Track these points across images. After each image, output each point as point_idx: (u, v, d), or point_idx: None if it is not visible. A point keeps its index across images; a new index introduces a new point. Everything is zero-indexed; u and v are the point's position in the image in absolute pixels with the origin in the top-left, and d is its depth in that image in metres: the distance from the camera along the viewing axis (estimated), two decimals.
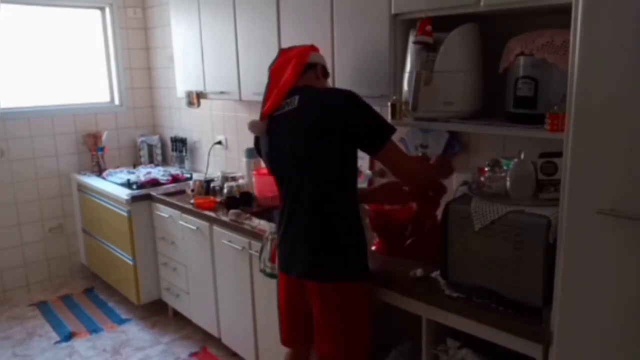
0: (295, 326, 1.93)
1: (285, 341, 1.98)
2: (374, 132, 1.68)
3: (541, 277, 1.44)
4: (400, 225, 2.01)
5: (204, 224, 2.81)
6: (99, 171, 3.90)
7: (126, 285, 3.50)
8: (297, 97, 1.73)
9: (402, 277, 1.82)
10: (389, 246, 2.04)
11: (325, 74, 1.90)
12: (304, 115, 1.70)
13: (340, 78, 2.22)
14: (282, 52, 1.93)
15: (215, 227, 2.74)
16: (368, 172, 2.61)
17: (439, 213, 1.73)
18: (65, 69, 3.97)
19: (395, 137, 2.41)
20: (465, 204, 1.59)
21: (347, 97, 1.69)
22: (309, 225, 1.74)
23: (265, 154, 1.88)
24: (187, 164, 3.95)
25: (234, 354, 2.85)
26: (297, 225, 1.77)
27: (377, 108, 2.44)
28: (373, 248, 2.08)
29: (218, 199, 2.92)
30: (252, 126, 1.83)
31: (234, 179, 3.06)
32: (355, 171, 1.78)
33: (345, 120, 1.65)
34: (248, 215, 2.66)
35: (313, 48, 1.91)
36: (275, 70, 1.85)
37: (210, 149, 3.52)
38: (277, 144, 1.79)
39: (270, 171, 1.90)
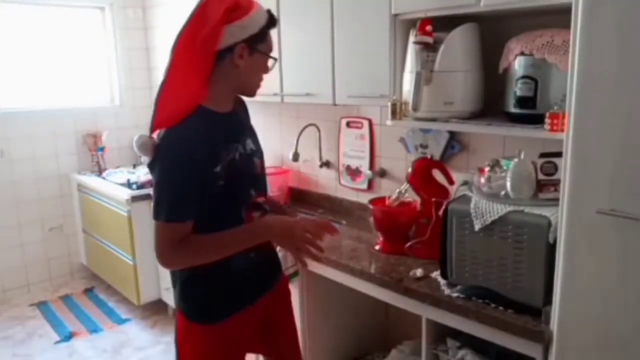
0: None
1: None
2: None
3: (541, 277, 1.44)
4: (404, 225, 2.01)
5: None
6: (99, 171, 3.90)
7: (126, 285, 3.50)
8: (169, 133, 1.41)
9: (402, 277, 1.82)
10: (393, 245, 2.04)
11: (253, 45, 1.40)
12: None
13: (341, 78, 2.22)
14: (200, 9, 1.38)
15: None
16: (368, 172, 2.61)
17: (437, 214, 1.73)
18: (65, 69, 3.97)
19: (395, 137, 2.44)
20: (465, 204, 1.59)
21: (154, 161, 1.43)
22: None
23: None
24: None
25: None
26: None
27: (376, 108, 2.48)
28: (377, 247, 2.08)
29: None
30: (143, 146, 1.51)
31: None
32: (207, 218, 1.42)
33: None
34: None
35: (231, 12, 1.35)
36: (177, 55, 1.45)
37: None
38: None
39: None
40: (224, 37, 1.36)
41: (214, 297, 1.50)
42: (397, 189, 2.07)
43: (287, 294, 1.75)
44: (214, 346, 1.50)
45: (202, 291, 1.49)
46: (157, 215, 1.37)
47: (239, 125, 1.55)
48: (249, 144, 1.54)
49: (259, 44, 1.42)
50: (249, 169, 1.52)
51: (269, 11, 1.45)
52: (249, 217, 1.51)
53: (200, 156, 1.36)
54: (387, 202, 2.11)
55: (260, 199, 1.57)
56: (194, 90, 1.40)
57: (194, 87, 1.40)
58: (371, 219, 2.10)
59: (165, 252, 1.38)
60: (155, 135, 1.48)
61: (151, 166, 1.44)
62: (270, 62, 1.50)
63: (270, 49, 1.47)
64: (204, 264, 1.43)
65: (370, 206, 2.10)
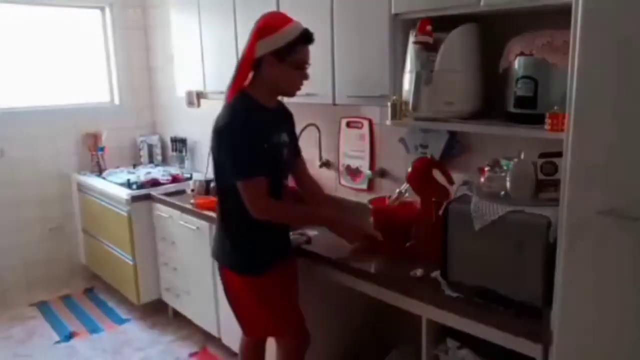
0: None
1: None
2: (229, 167, 1.83)
3: (541, 277, 1.44)
4: (403, 225, 2.01)
5: (204, 224, 2.81)
6: (99, 171, 3.90)
7: (126, 285, 3.50)
8: (224, 111, 1.86)
9: (402, 277, 1.82)
10: (393, 245, 2.04)
11: (280, 56, 1.79)
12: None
13: (341, 78, 2.22)
14: (256, 24, 1.86)
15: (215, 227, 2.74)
16: (368, 172, 2.61)
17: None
18: (65, 68, 3.97)
19: (395, 137, 2.44)
20: (465, 204, 1.59)
21: (216, 132, 1.84)
22: (218, 223, 2.01)
23: None
24: (187, 164, 3.95)
25: (234, 354, 2.85)
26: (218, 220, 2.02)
27: (376, 108, 2.48)
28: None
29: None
30: None
31: None
32: None
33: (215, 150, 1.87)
34: None
35: (262, 30, 1.80)
36: (242, 56, 1.89)
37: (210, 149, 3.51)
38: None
39: None
40: (257, 49, 1.80)
41: (260, 252, 1.94)
42: (397, 189, 2.07)
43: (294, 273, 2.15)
44: (270, 289, 1.94)
45: (252, 249, 1.93)
46: (238, 175, 1.79)
47: (278, 121, 1.95)
48: (284, 137, 1.95)
49: (286, 56, 1.79)
50: (283, 156, 1.94)
51: (304, 30, 1.82)
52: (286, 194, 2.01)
53: (256, 125, 1.80)
54: (387, 202, 2.11)
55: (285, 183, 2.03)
56: (240, 83, 1.89)
57: (240, 82, 1.88)
58: (371, 219, 2.10)
59: (260, 203, 1.81)
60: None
61: (215, 140, 1.85)
62: (303, 71, 1.86)
63: (298, 61, 1.83)
64: (284, 223, 1.98)
65: (370, 206, 2.10)
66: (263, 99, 1.88)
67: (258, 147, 1.79)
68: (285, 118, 2.06)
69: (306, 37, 1.82)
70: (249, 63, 1.83)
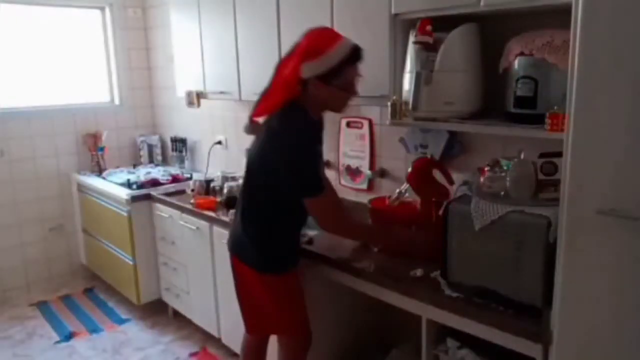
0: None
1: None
2: (299, 183, 1.81)
3: (541, 277, 1.44)
4: (404, 225, 2.01)
5: (204, 224, 2.81)
6: (99, 171, 3.90)
7: (126, 285, 3.50)
8: (275, 117, 1.83)
9: (402, 277, 1.82)
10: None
11: (327, 80, 1.74)
12: (265, 141, 1.84)
13: None
14: (301, 40, 1.79)
15: (215, 227, 2.74)
16: (368, 172, 2.61)
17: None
18: (65, 68, 3.97)
19: (395, 137, 2.44)
20: (465, 204, 1.59)
21: (280, 142, 1.80)
22: (241, 220, 1.99)
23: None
24: (187, 164, 3.95)
25: (234, 354, 2.85)
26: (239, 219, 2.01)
27: (376, 108, 2.48)
28: (375, 249, 2.08)
29: (218, 199, 2.92)
30: (247, 129, 1.94)
31: (234, 179, 3.05)
32: (293, 202, 1.86)
33: (279, 163, 1.80)
34: None
35: (307, 53, 1.73)
36: (280, 68, 1.83)
37: (210, 149, 3.52)
38: (252, 146, 1.97)
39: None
40: (303, 71, 1.73)
41: (283, 252, 1.98)
42: (397, 189, 2.07)
43: None
44: (287, 287, 1.99)
45: (278, 250, 1.97)
46: (311, 191, 1.79)
47: (321, 133, 1.95)
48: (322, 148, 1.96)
49: (332, 79, 1.74)
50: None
51: (354, 48, 1.74)
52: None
53: (316, 141, 1.84)
54: (387, 202, 2.10)
55: None
56: (282, 100, 1.80)
57: (281, 98, 1.79)
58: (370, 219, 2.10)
59: (334, 217, 1.86)
60: (259, 120, 1.89)
61: (275, 150, 1.79)
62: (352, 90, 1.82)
63: (346, 83, 1.77)
64: (347, 238, 2.04)
65: (370, 206, 2.10)
66: (313, 112, 1.84)
67: (320, 162, 1.86)
68: (322, 128, 2.02)
69: (355, 57, 1.76)
70: (295, 82, 1.75)
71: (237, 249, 2.04)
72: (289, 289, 2.01)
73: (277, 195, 1.87)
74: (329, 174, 2.85)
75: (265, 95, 1.84)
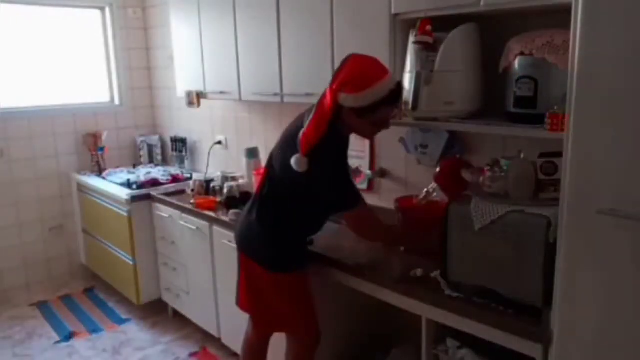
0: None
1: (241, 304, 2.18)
2: (339, 198, 1.85)
3: (541, 277, 1.44)
4: (430, 224, 1.97)
5: (204, 224, 2.81)
6: (99, 171, 3.90)
7: (126, 285, 3.50)
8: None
9: (402, 277, 1.82)
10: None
11: (359, 114, 1.73)
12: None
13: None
14: (347, 64, 1.74)
15: (215, 227, 2.74)
16: (368, 172, 2.61)
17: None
18: (65, 68, 3.97)
19: (395, 137, 2.44)
20: (465, 204, 1.59)
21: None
22: (254, 217, 2.00)
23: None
24: (187, 164, 3.95)
25: (234, 354, 2.85)
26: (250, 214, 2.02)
27: None
28: (402, 248, 2.07)
29: (218, 199, 2.92)
30: (297, 163, 1.78)
31: (234, 179, 3.05)
32: (315, 207, 1.94)
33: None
34: None
35: (347, 83, 1.69)
36: (321, 100, 1.81)
37: (210, 149, 3.52)
38: (278, 148, 1.95)
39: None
40: (340, 98, 1.71)
41: (295, 251, 2.01)
42: (424, 189, 2.04)
43: None
44: (299, 286, 2.02)
45: (291, 250, 1.99)
46: (353, 203, 1.83)
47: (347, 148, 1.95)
48: None
49: (366, 114, 1.73)
50: None
51: (395, 88, 1.72)
52: None
53: (345, 155, 1.90)
54: (414, 201, 2.09)
55: None
56: (323, 129, 1.75)
57: (323, 127, 1.75)
58: (398, 216, 2.07)
59: (372, 228, 1.92)
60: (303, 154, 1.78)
61: (315, 175, 1.78)
62: (381, 125, 1.83)
63: (378, 120, 1.77)
64: (381, 242, 2.06)
65: (397, 205, 2.07)
66: (343, 131, 1.85)
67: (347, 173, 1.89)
68: (348, 144, 2.03)
69: (394, 99, 1.74)
70: (330, 108, 1.74)
71: (246, 246, 2.04)
72: (301, 287, 2.03)
73: (305, 207, 1.91)
74: None
75: (310, 122, 1.79)
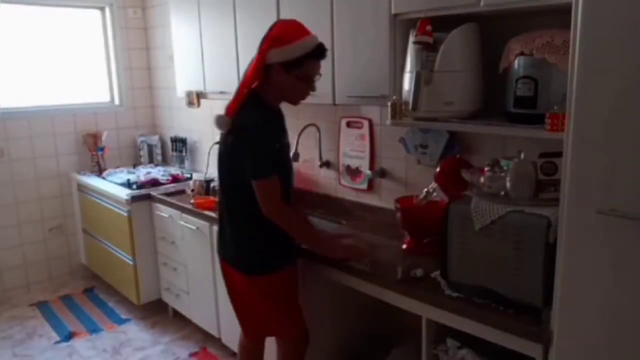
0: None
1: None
2: (249, 166, 1.85)
3: (541, 277, 1.44)
4: (430, 224, 1.97)
5: (204, 224, 2.81)
6: (99, 171, 3.90)
7: (126, 285, 3.50)
8: (243, 111, 1.87)
9: (402, 277, 1.82)
10: (420, 245, 2.03)
11: (288, 68, 1.84)
12: (232, 137, 1.89)
13: (341, 78, 2.22)
14: (271, 29, 1.88)
15: (215, 227, 2.73)
16: (368, 172, 2.61)
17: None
18: (65, 68, 3.97)
19: (395, 137, 2.44)
20: (465, 204, 1.59)
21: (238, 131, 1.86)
22: (225, 221, 2.03)
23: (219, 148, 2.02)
24: (187, 164, 3.95)
25: (234, 354, 2.85)
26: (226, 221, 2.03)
27: (376, 108, 2.48)
28: (404, 246, 2.07)
29: (218, 199, 2.91)
30: (218, 121, 1.91)
31: None
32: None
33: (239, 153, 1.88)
34: None
35: (275, 39, 1.83)
36: (245, 73, 1.93)
37: (210, 149, 3.49)
38: (220, 146, 1.99)
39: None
40: (269, 56, 1.84)
41: (268, 253, 1.97)
42: (424, 189, 2.04)
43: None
44: (277, 288, 1.98)
45: (262, 250, 1.96)
46: (257, 174, 1.83)
47: (284, 122, 2.01)
48: (288, 138, 2.03)
49: (293, 68, 1.84)
50: (289, 156, 2.05)
51: (317, 45, 1.86)
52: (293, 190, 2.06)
53: (271, 126, 1.89)
54: (414, 201, 2.09)
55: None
56: (248, 88, 1.89)
57: (248, 86, 1.89)
58: (398, 216, 2.07)
59: (274, 202, 1.86)
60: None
61: (238, 140, 1.87)
62: (309, 82, 1.90)
63: (305, 75, 1.87)
64: (287, 230, 1.92)
65: (398, 205, 2.07)
66: (272, 101, 1.93)
67: (273, 147, 1.86)
68: (281, 117, 2.08)
69: (318, 53, 1.86)
70: (260, 67, 1.86)
71: (224, 252, 2.06)
72: (280, 289, 2.00)
73: (248, 190, 1.86)
74: (329, 173, 2.85)
75: (242, 82, 1.91)
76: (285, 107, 2.05)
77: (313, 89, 1.94)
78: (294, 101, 1.98)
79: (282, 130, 1.97)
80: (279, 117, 1.98)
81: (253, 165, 1.84)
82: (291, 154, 2.20)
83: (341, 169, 2.78)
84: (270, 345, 2.22)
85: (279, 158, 1.90)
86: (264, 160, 1.84)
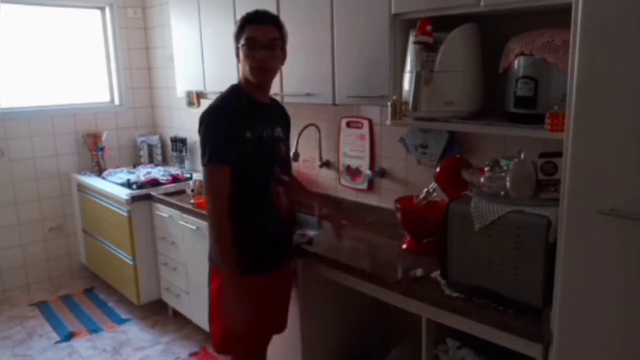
0: None
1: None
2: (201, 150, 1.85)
3: (541, 277, 1.44)
4: (430, 224, 1.97)
5: (204, 224, 2.81)
6: (99, 171, 3.90)
7: (126, 285, 3.50)
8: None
9: (402, 277, 1.82)
10: (420, 245, 2.03)
11: (236, 38, 1.90)
12: None
13: (341, 78, 2.22)
14: None
15: None
16: (368, 172, 2.61)
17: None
18: (65, 68, 3.97)
19: (395, 137, 2.44)
20: (465, 204, 1.59)
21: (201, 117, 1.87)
22: None
23: None
24: (187, 163, 3.95)
25: None
26: None
27: (376, 108, 2.48)
28: (404, 246, 2.07)
29: None
30: None
31: None
32: (245, 178, 1.84)
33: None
34: None
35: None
36: None
37: None
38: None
39: None
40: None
41: (244, 255, 1.83)
42: (424, 189, 2.04)
43: (292, 276, 2.14)
44: (239, 292, 1.82)
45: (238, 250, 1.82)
46: (205, 159, 1.80)
47: (269, 115, 1.96)
48: (278, 132, 1.96)
49: (239, 39, 1.87)
50: (275, 149, 1.95)
51: (255, 10, 1.88)
52: (275, 190, 1.92)
53: (238, 113, 1.82)
54: (414, 201, 2.09)
55: (284, 177, 1.97)
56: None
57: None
58: (398, 216, 2.07)
59: (212, 192, 1.80)
60: None
61: (199, 121, 1.88)
62: (248, 50, 1.84)
63: (245, 40, 1.83)
64: (211, 229, 1.86)
65: (397, 205, 2.08)
66: (249, 90, 1.90)
67: (234, 135, 1.79)
68: (280, 116, 2.06)
69: (249, 17, 1.86)
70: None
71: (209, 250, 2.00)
72: (230, 294, 1.81)
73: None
74: (329, 173, 2.85)
75: None
76: (286, 107, 2.06)
77: (254, 56, 1.81)
78: (252, 74, 1.84)
79: (258, 120, 1.86)
80: (253, 105, 1.88)
81: (203, 149, 1.81)
82: (291, 153, 2.18)
83: (341, 169, 2.78)
84: (271, 346, 2.22)
85: (250, 149, 1.81)
86: (217, 146, 1.78)
